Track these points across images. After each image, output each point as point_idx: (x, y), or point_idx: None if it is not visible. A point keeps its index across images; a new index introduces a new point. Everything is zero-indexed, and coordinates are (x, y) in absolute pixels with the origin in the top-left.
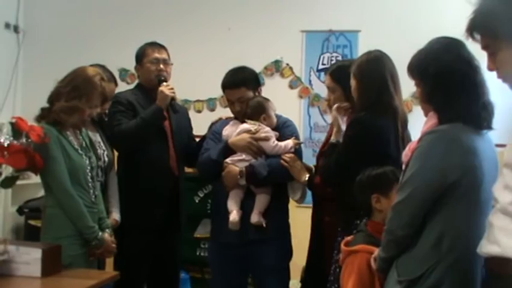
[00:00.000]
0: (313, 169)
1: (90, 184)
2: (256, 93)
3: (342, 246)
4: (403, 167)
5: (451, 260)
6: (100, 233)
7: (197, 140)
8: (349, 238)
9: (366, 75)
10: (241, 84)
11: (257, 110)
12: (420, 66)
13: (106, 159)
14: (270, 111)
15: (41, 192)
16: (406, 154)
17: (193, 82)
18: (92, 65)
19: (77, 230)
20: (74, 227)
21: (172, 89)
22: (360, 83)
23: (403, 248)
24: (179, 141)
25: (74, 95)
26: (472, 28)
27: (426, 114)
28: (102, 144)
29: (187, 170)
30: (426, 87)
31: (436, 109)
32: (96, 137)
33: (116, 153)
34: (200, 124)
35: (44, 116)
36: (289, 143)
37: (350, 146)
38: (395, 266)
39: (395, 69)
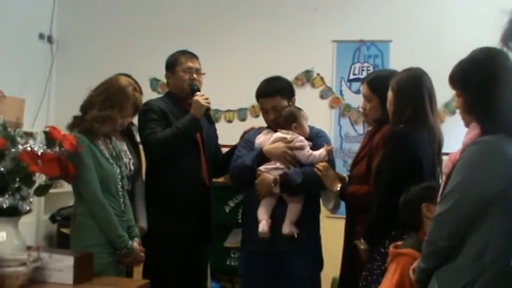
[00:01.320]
0: (347, 178)
1: (120, 193)
2: (290, 103)
3: (391, 248)
4: (443, 177)
5: (493, 272)
6: (130, 242)
7: (225, 150)
8: (398, 243)
9: (404, 91)
10: (276, 92)
11: (288, 119)
12: (463, 77)
13: (132, 167)
14: (301, 120)
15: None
16: (446, 165)
17: (224, 92)
18: (117, 74)
19: (108, 238)
20: (104, 235)
21: (207, 98)
22: (397, 98)
23: (444, 260)
24: (209, 152)
25: (107, 104)
26: (507, 38)
27: (467, 125)
28: (128, 153)
29: (218, 179)
30: (468, 97)
31: (479, 120)
32: (123, 146)
33: (145, 163)
34: (231, 134)
35: (76, 124)
36: (323, 152)
37: (391, 173)
38: (435, 278)
39: (433, 88)
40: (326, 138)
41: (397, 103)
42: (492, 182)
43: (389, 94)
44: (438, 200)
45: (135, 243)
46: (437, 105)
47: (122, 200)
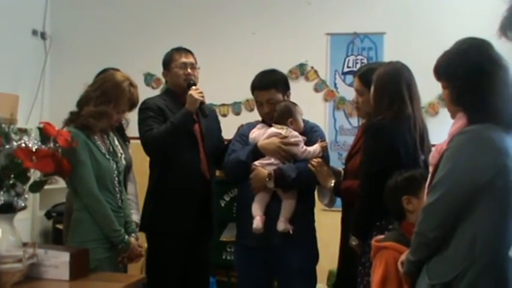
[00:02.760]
0: (342, 173)
1: (116, 189)
2: (285, 97)
3: (373, 242)
4: (430, 169)
5: (484, 263)
6: (126, 237)
7: None
8: (380, 237)
9: (381, 85)
10: (271, 85)
11: (284, 114)
12: (448, 68)
13: (124, 162)
14: (297, 115)
15: None
16: (433, 156)
17: (218, 86)
18: (106, 69)
19: (104, 233)
20: (100, 230)
21: (201, 92)
22: (375, 92)
23: (433, 251)
24: (209, 145)
25: (103, 100)
26: (506, 27)
27: (453, 117)
28: (119, 147)
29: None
30: (455, 88)
31: (466, 110)
32: (114, 141)
33: (146, 158)
34: (226, 128)
35: (72, 120)
36: (318, 148)
37: (371, 166)
38: (426, 270)
39: (413, 79)
40: (320, 133)
41: (376, 96)
42: (481, 170)
43: (372, 88)
44: (426, 190)
45: (132, 239)
46: (432, 97)
47: (118, 195)
